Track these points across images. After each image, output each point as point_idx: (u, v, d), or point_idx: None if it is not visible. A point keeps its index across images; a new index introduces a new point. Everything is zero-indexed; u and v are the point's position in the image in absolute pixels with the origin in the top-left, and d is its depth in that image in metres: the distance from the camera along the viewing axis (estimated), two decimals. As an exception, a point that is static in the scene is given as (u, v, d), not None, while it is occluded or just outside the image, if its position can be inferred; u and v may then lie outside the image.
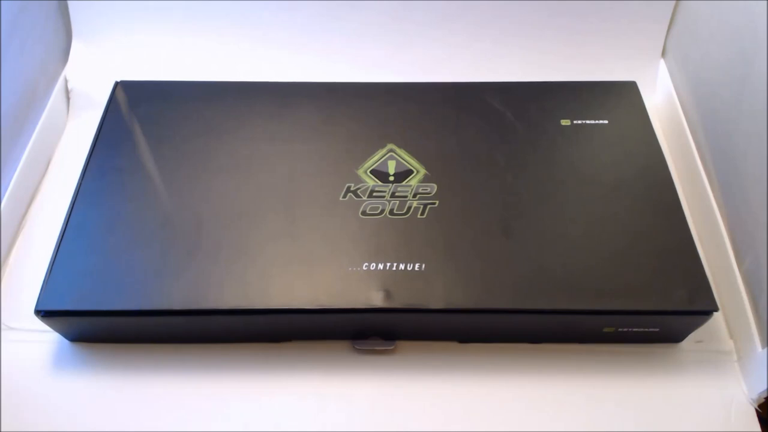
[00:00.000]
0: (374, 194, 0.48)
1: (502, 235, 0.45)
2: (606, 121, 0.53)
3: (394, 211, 0.47)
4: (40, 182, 0.56)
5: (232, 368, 0.45)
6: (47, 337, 0.46)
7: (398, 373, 0.45)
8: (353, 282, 0.43)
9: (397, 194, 0.48)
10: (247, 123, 0.52)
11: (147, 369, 0.45)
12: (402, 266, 0.44)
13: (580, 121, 0.53)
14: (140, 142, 0.51)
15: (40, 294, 0.43)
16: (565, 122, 0.53)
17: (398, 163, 0.50)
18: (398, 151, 0.50)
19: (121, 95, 0.54)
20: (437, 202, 0.47)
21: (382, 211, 0.47)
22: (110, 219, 0.46)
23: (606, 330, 0.45)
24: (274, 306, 0.42)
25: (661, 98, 0.62)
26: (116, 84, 0.55)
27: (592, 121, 0.53)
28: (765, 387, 0.42)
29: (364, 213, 0.46)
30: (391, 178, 0.49)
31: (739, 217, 0.48)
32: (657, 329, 0.45)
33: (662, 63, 0.63)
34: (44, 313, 0.42)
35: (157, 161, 0.50)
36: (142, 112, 0.53)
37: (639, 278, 0.43)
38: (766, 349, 0.43)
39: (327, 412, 0.43)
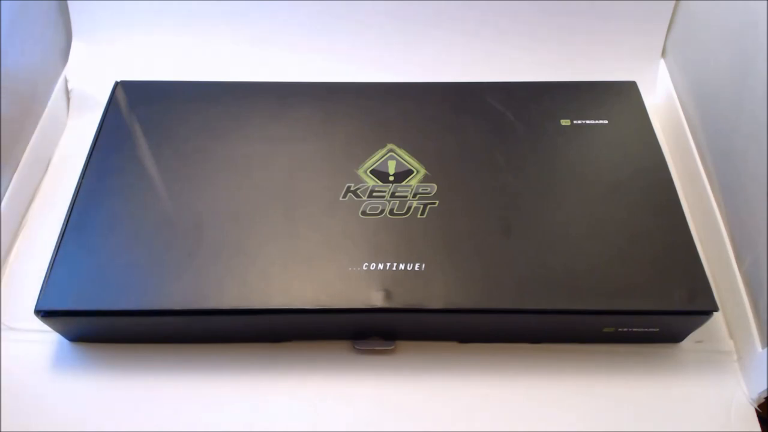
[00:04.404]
0: (374, 194, 0.48)
1: (502, 235, 0.45)
2: (606, 121, 0.53)
3: (394, 211, 0.47)
4: (40, 182, 0.56)
5: (232, 368, 0.45)
6: (47, 337, 0.46)
7: (398, 373, 0.45)
8: (353, 282, 0.43)
9: (397, 194, 0.48)
10: (247, 123, 0.52)
11: (147, 369, 0.45)
12: (402, 266, 0.44)
13: (580, 121, 0.53)
14: (140, 142, 0.51)
15: (40, 294, 0.43)
16: (565, 122, 0.53)
17: (398, 163, 0.50)
18: (398, 151, 0.50)
19: (121, 95, 0.54)
20: (437, 202, 0.47)
21: (382, 211, 0.47)
22: (110, 219, 0.46)
23: (606, 330, 0.45)
24: (274, 306, 0.42)
25: (661, 98, 0.62)
26: (116, 84, 0.55)
27: (592, 121, 0.53)
28: (765, 387, 0.42)
29: (364, 213, 0.46)
30: (391, 178, 0.49)
31: (739, 217, 0.48)
32: (657, 329, 0.45)
33: (662, 63, 0.63)
34: (44, 313, 0.42)
35: (157, 161, 0.50)
36: (142, 112, 0.53)
37: (639, 278, 0.43)
38: (766, 349, 0.43)
39: (327, 412, 0.43)
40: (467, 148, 0.51)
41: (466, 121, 0.53)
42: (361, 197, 0.47)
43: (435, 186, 0.48)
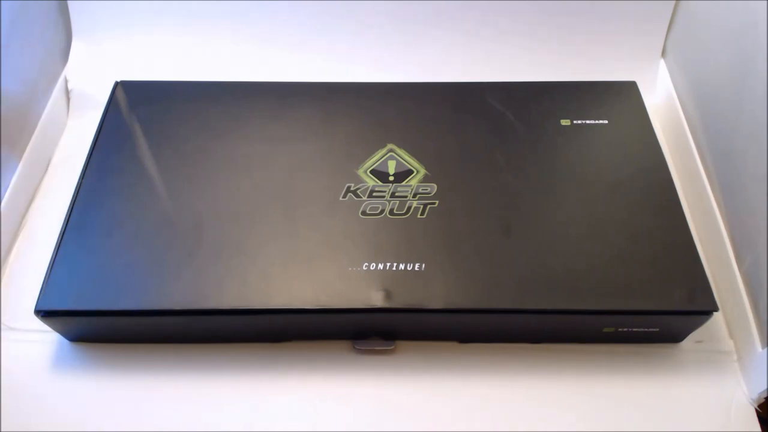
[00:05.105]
0: (374, 194, 0.48)
1: (502, 235, 0.45)
2: (606, 121, 0.53)
3: (394, 211, 0.47)
4: (40, 182, 0.56)
5: (232, 368, 0.45)
6: (47, 337, 0.46)
7: (398, 373, 0.45)
8: (353, 282, 0.43)
9: (397, 194, 0.48)
10: (247, 123, 0.52)
11: (147, 369, 0.45)
12: (402, 266, 0.44)
13: (580, 121, 0.53)
14: (140, 142, 0.51)
15: (40, 294, 0.43)
16: (565, 122, 0.53)
17: (398, 163, 0.50)
18: (398, 151, 0.50)
19: (121, 95, 0.54)
20: (437, 202, 0.47)
21: (382, 211, 0.47)
22: (110, 219, 0.46)
23: (606, 330, 0.45)
24: (274, 306, 0.42)
25: (661, 98, 0.62)
26: (116, 84, 0.55)
27: (592, 121, 0.53)
28: (765, 387, 0.42)
29: (364, 213, 0.46)
30: (391, 178, 0.49)
31: (739, 217, 0.48)
32: (657, 329, 0.45)
33: (662, 63, 0.63)
34: (44, 313, 0.42)
35: (157, 161, 0.50)
36: (142, 112, 0.53)
37: (639, 278, 0.43)
38: (766, 349, 0.43)
39: (327, 412, 0.43)
40: (467, 148, 0.51)
41: (466, 121, 0.53)
42: (361, 197, 0.47)
43: (435, 186, 0.48)
